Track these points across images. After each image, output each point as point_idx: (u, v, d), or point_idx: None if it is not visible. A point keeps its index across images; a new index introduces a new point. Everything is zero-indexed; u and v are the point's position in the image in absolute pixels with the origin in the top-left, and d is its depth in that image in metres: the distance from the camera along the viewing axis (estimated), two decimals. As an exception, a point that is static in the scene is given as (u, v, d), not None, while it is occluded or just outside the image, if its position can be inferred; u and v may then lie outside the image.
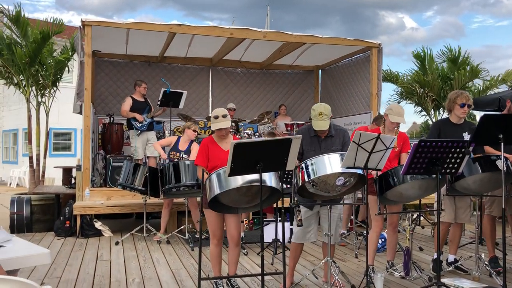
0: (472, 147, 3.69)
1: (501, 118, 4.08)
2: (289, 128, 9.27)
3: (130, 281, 4.47)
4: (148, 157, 7.84)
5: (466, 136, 4.44)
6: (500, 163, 3.99)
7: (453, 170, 3.72)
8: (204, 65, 10.35)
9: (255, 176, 3.39)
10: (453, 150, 3.57)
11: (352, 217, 6.32)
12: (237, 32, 7.89)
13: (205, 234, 6.22)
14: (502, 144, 3.87)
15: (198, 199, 5.79)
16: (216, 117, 3.84)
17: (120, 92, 9.46)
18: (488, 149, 4.47)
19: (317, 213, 4.05)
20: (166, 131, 8.64)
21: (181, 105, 8.20)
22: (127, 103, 7.74)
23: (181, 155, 6.28)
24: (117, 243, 6.09)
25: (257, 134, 8.94)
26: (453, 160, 3.64)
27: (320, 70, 11.07)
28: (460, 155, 3.63)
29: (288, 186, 4.56)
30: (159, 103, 7.99)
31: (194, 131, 6.38)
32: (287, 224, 5.75)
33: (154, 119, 8.07)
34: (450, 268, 4.64)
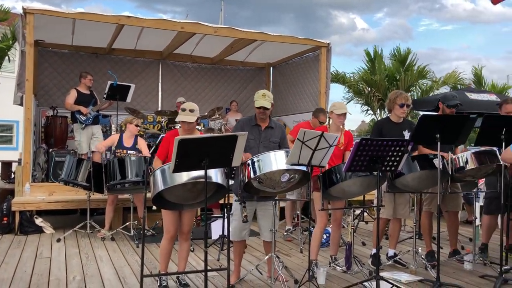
0: (411, 146, 3.84)
1: (438, 119, 4.29)
2: (239, 124, 9.27)
3: (70, 279, 4.33)
4: (93, 152, 7.61)
5: (407, 135, 4.62)
6: (436, 162, 4.18)
7: (393, 168, 3.87)
8: (154, 58, 10.17)
9: (200, 173, 3.37)
10: (392, 148, 3.71)
11: (298, 212, 6.42)
12: (188, 26, 7.80)
13: (151, 231, 6.15)
14: (438, 143, 4.06)
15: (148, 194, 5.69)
16: (184, 110, 3.81)
17: (65, 84, 9.13)
18: (422, 149, 4.67)
19: (253, 210, 4.10)
20: (113, 125, 8.42)
21: (129, 99, 8.02)
22: (72, 96, 7.49)
23: (127, 152, 6.14)
24: (58, 240, 5.89)
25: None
26: (392, 158, 3.77)
27: (271, 68, 11.16)
28: (400, 154, 3.77)
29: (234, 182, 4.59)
30: (105, 96, 7.77)
31: (137, 125, 6.26)
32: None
33: (100, 112, 7.84)
34: (389, 262, 4.82)
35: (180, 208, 3.79)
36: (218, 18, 27.50)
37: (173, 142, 3.76)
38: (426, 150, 4.57)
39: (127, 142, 6.20)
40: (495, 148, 4.39)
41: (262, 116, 4.07)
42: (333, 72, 12.18)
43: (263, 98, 4.01)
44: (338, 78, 12.35)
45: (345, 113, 4.41)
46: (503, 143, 4.11)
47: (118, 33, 8.28)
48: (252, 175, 3.74)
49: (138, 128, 6.28)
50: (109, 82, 7.78)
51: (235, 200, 3.97)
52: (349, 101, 12.67)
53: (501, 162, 4.20)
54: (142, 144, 6.26)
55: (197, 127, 4.40)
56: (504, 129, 4.15)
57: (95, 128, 7.69)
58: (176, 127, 7.34)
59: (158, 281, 3.97)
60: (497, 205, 4.99)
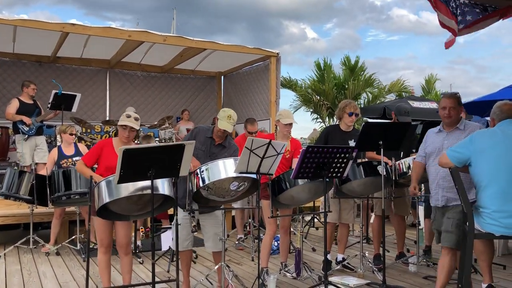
0: (355, 152, 3.96)
1: (381, 126, 4.45)
2: (190, 134, 9.21)
3: (10, 298, 4.12)
4: (36, 164, 7.31)
5: (352, 144, 4.75)
6: (380, 168, 4.33)
7: (339, 174, 3.96)
8: (101, 67, 9.94)
9: (146, 183, 3.32)
10: (338, 155, 3.80)
11: (250, 220, 6.44)
12: (135, 34, 7.70)
13: (94, 243, 5.96)
14: (382, 150, 4.21)
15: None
16: (128, 116, 3.76)
17: (6, 93, 8.77)
18: (370, 154, 4.83)
19: (196, 220, 4.05)
20: (58, 136, 8.12)
21: (74, 109, 7.77)
22: (13, 105, 7.17)
23: (73, 160, 5.95)
24: (-2, 257, 5.59)
25: (158, 139, 8.77)
26: (338, 165, 3.87)
27: (222, 76, 11.18)
28: (345, 160, 3.87)
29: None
30: (49, 105, 7.50)
31: (71, 134, 6.10)
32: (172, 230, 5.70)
33: (44, 123, 7.56)
34: (338, 267, 4.92)
35: (125, 219, 3.71)
36: (170, 27, 27.31)
37: (105, 151, 3.71)
38: (375, 155, 4.71)
39: (68, 151, 6.03)
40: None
41: (221, 136, 4.04)
42: (286, 78, 12.39)
43: (228, 121, 3.92)
44: (291, 85, 12.55)
45: (291, 123, 4.48)
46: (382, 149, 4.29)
47: (63, 41, 8.05)
48: (201, 184, 3.71)
49: (73, 136, 6.11)
50: (54, 91, 7.51)
51: (184, 210, 3.90)
52: (298, 109, 12.90)
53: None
54: (84, 149, 6.11)
55: (138, 134, 4.36)
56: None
57: (39, 139, 7.40)
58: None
59: None
60: None
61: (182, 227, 3.79)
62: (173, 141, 8.43)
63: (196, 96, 11.03)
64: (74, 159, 5.95)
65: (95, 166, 3.89)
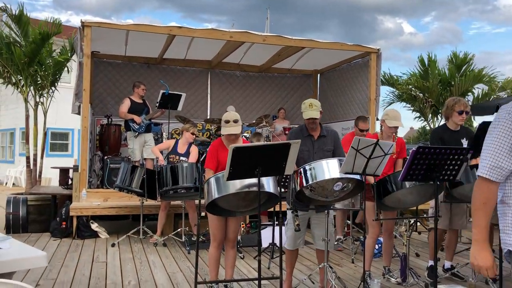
0: (470, 154, 3.69)
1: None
2: (287, 132, 9.27)
3: (126, 283, 4.45)
4: (145, 159, 7.83)
5: (465, 143, 4.45)
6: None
7: (451, 177, 3.72)
8: (203, 67, 10.35)
9: (253, 181, 3.38)
10: (451, 157, 3.57)
11: (348, 221, 6.32)
12: (236, 35, 7.89)
13: (202, 237, 6.22)
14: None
15: (197, 201, 5.77)
16: (227, 122, 3.79)
17: (118, 93, 9.44)
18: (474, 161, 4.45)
19: (307, 219, 4.05)
20: (164, 133, 8.63)
21: (180, 107, 8.19)
22: (125, 105, 7.73)
23: (180, 158, 6.26)
24: (113, 245, 6.07)
25: (255, 137, 8.92)
26: (451, 167, 3.63)
27: (318, 75, 11.09)
28: (458, 162, 3.63)
29: (286, 190, 4.56)
30: (157, 104, 7.98)
31: (193, 133, 6.36)
32: (284, 228, 5.75)
33: (152, 121, 8.06)
34: (446, 275, 4.64)
35: (232, 215, 3.81)
36: (263, 26, 27.68)
37: (220, 150, 3.79)
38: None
39: (181, 148, 6.34)
40: None
41: (312, 126, 4.01)
42: (386, 74, 11.95)
43: (311, 108, 3.93)
44: (393, 81, 12.04)
45: (397, 126, 4.29)
46: None
47: (169, 44, 8.50)
48: (304, 183, 3.70)
49: (194, 136, 6.39)
50: (161, 91, 7.98)
51: (288, 209, 3.94)
52: (391, 104, 12.33)
53: None
54: (193, 150, 6.36)
55: (242, 135, 4.41)
56: None
57: (148, 136, 7.90)
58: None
59: None
60: None
61: (292, 226, 3.82)
62: (269, 140, 8.53)
63: (292, 95, 11.07)
64: (182, 158, 6.25)
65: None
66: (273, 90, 10.98)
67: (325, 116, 9.56)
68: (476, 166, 4.22)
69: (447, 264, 4.77)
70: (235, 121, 3.81)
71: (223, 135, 3.85)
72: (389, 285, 4.42)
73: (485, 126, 4.00)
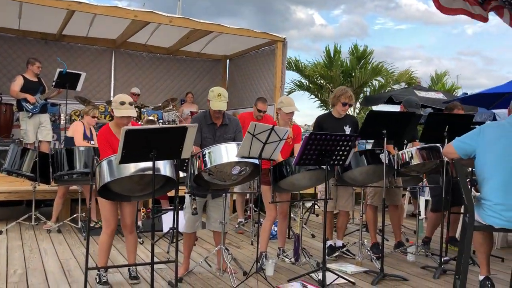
0: (358, 140, 3.94)
1: (385, 115, 4.42)
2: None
3: (11, 272, 4.17)
4: (40, 141, 7.34)
5: (347, 130, 4.73)
6: (383, 157, 4.32)
7: (341, 162, 3.96)
8: (106, 46, 9.91)
9: (148, 164, 3.31)
10: (340, 143, 3.79)
11: (251, 204, 6.46)
12: (141, 14, 7.64)
13: (98, 222, 6.01)
14: (385, 139, 4.20)
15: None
16: (123, 103, 3.65)
17: (11, 70, 8.77)
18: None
19: (204, 202, 4.10)
20: (62, 114, 8.15)
21: (79, 87, 7.76)
22: (18, 83, 7.17)
23: (91, 143, 5.95)
24: (0, 233, 5.65)
25: (161, 121, 8.77)
26: (340, 153, 3.86)
27: (228, 60, 11.13)
28: (347, 148, 3.86)
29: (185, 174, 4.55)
30: (54, 84, 7.49)
31: (94, 116, 6.08)
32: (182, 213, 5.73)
33: (49, 101, 7.57)
34: (337, 253, 4.94)
35: (127, 199, 3.72)
36: (176, 8, 27.08)
37: (110, 139, 3.66)
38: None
39: (88, 133, 6.04)
40: (438, 145, 4.57)
41: (218, 115, 4.05)
42: (295, 60, 12.31)
43: (219, 99, 3.94)
44: (299, 68, 12.45)
45: (293, 112, 4.45)
46: (446, 140, 4.30)
47: (69, 19, 8.01)
48: (202, 167, 3.72)
49: (95, 119, 6.08)
50: (58, 70, 7.50)
51: (185, 193, 3.94)
52: (291, 93, 12.79)
53: (444, 159, 4.39)
54: (94, 135, 6.11)
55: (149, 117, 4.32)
56: (447, 126, 4.35)
57: (43, 117, 7.41)
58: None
59: (98, 278, 3.85)
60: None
61: (189, 210, 3.82)
62: (176, 123, 8.42)
63: (201, 79, 11.00)
64: (91, 142, 5.95)
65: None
66: (181, 73, 10.83)
67: (232, 102, 9.64)
68: (365, 152, 4.54)
69: (339, 243, 5.08)
70: (131, 104, 3.70)
71: (117, 117, 3.71)
72: (283, 265, 4.60)
73: (372, 115, 4.30)
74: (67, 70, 7.51)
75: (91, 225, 5.53)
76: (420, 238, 5.33)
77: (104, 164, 3.40)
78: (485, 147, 3.36)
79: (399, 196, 5.32)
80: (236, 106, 10.08)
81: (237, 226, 6.31)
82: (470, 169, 4.55)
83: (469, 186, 4.44)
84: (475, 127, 3.67)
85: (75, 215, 6.06)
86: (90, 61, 9.77)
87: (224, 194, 4.09)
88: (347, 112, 4.90)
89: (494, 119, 8.88)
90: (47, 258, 4.67)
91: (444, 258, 4.56)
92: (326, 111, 12.85)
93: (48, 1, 6.99)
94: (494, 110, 8.58)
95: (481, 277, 3.64)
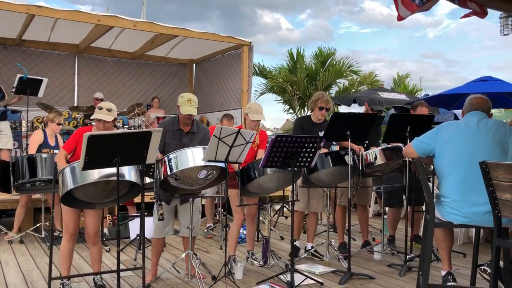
0: (323, 142, 4.00)
1: (349, 116, 4.50)
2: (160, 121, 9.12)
3: (-30, 286, 4.02)
4: (0, 149, 7.10)
5: (321, 135, 4.79)
6: (347, 158, 4.39)
7: (307, 164, 4.00)
8: (69, 51, 9.70)
9: (112, 170, 3.26)
10: (306, 145, 3.84)
11: (219, 209, 6.44)
12: (105, 19, 7.53)
13: (59, 231, 5.86)
14: (349, 140, 4.28)
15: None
16: (100, 108, 3.66)
17: (-32, 76, 8.41)
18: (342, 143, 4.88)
19: (174, 207, 4.07)
20: (23, 121, 7.91)
21: (41, 93, 7.54)
22: (-25, 89, 6.93)
23: (54, 152, 5.78)
24: (-42, 245, 5.44)
25: (127, 126, 8.65)
26: (306, 154, 3.91)
27: (194, 64, 11.08)
28: (313, 150, 3.91)
29: (152, 180, 4.50)
30: (14, 90, 7.26)
31: (58, 124, 5.93)
32: (149, 219, 5.66)
33: (8, 107, 7.33)
34: (305, 255, 4.99)
35: (91, 206, 3.65)
36: (140, 12, 26.80)
37: (82, 139, 3.61)
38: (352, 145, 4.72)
39: (51, 140, 5.88)
40: (400, 145, 4.69)
41: (188, 121, 4.02)
42: (260, 66, 12.38)
43: (189, 104, 3.93)
44: (266, 73, 12.54)
45: (260, 120, 4.44)
46: (408, 140, 4.42)
47: (29, 24, 7.80)
48: (168, 172, 3.69)
49: (60, 126, 5.93)
50: (18, 75, 7.27)
51: (151, 198, 3.90)
52: (262, 94, 12.88)
53: (406, 158, 4.50)
54: (60, 141, 5.96)
55: (116, 125, 4.28)
56: (409, 127, 4.47)
57: (3, 124, 7.17)
58: (93, 123, 7.04)
59: (61, 286, 3.76)
60: (397, 199, 5.36)
61: (156, 216, 3.79)
62: (143, 129, 8.32)
63: (167, 84, 10.91)
64: (55, 151, 5.79)
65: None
66: (147, 78, 10.71)
67: (200, 106, 9.54)
68: (330, 153, 4.62)
69: (308, 246, 5.12)
70: (109, 110, 3.67)
71: (93, 119, 3.68)
72: (252, 267, 4.61)
73: (337, 117, 4.37)
74: (28, 76, 7.29)
75: (56, 234, 5.39)
76: (385, 237, 5.44)
77: (67, 171, 3.33)
78: (443, 146, 3.47)
79: (367, 196, 5.42)
80: (204, 110, 10.05)
81: (205, 231, 6.28)
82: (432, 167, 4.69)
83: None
84: None
85: (38, 225, 5.89)
86: (53, 66, 9.53)
87: (190, 199, 4.06)
88: (326, 118, 4.94)
89: (456, 119, 9.18)
90: (8, 270, 4.52)
91: (409, 256, 4.68)
92: (293, 115, 13.08)
93: (6, 5, 6.79)
94: (454, 111, 8.86)
95: (443, 272, 3.75)
